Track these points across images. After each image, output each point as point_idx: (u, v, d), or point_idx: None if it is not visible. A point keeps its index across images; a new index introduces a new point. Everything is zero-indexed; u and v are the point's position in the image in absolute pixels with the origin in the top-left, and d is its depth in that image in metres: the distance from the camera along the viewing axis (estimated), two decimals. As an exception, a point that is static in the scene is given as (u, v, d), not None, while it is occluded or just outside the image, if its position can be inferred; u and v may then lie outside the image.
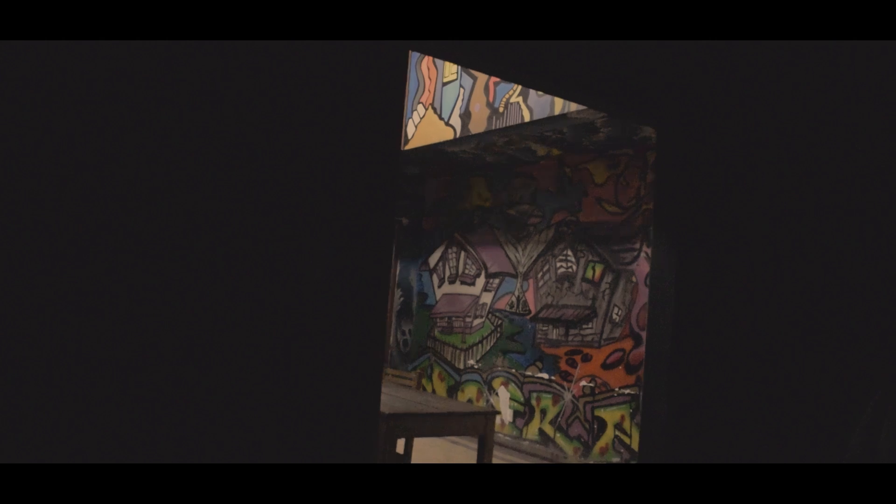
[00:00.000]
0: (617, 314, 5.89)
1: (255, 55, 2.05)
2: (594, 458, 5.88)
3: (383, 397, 4.43)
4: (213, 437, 1.98)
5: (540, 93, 5.30)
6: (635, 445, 5.57)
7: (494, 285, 7.20)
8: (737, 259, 3.28)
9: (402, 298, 8.36)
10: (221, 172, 1.99)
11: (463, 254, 7.67)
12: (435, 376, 7.79)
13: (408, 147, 6.69)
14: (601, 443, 5.85)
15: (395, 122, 2.39)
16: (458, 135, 6.13)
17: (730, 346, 3.24)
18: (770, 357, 3.24)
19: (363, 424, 2.33)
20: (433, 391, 7.77)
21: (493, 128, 5.73)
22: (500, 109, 5.68)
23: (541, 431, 6.41)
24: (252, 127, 2.05)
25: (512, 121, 5.56)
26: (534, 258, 6.77)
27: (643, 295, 5.70)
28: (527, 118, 5.42)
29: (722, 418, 3.21)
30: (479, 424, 4.17)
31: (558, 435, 6.24)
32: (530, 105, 5.39)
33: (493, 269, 7.26)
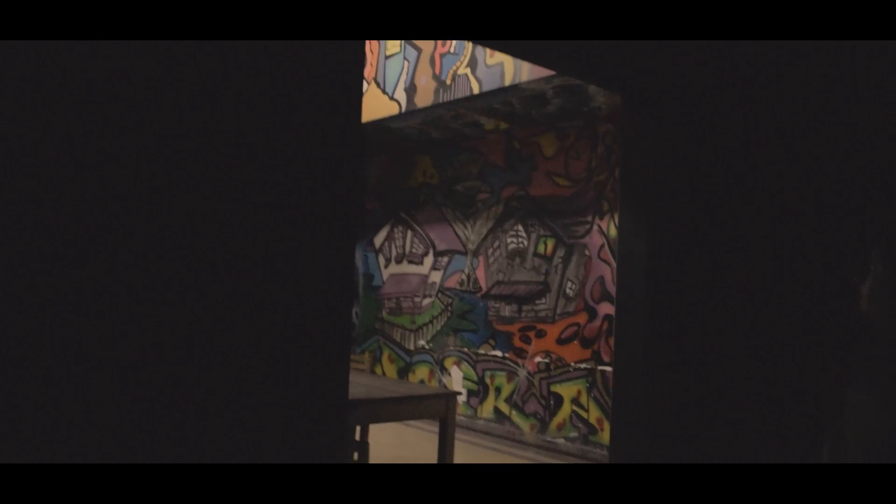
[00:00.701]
0: (570, 288, 5.83)
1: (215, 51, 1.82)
2: (551, 435, 5.83)
3: (338, 383, 4.24)
4: (181, 431, 1.78)
5: (489, 63, 5.14)
6: (593, 420, 5.54)
7: (443, 264, 7.06)
8: (710, 230, 3.21)
9: (347, 280, 8.14)
10: (185, 159, 1.77)
11: (409, 233, 7.49)
12: (384, 358, 7.62)
13: (350, 123, 6.45)
14: (558, 418, 5.80)
15: (355, 104, 2.20)
16: (403, 110, 5.93)
17: (708, 324, 3.17)
18: (755, 338, 3.18)
19: (331, 415, 2.16)
20: (383, 374, 7.60)
21: (441, 101, 5.54)
22: (448, 82, 5.50)
23: (496, 410, 6.32)
24: (208, 113, 1.83)
25: (460, 93, 5.39)
26: (483, 234, 6.65)
27: (597, 268, 5.65)
28: (475, 90, 5.26)
29: (703, 406, 3.14)
30: (439, 407, 4.02)
31: (514, 412, 6.17)
32: (479, 76, 5.23)
33: (441, 248, 7.11)
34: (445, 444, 4.02)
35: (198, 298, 1.83)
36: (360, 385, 4.08)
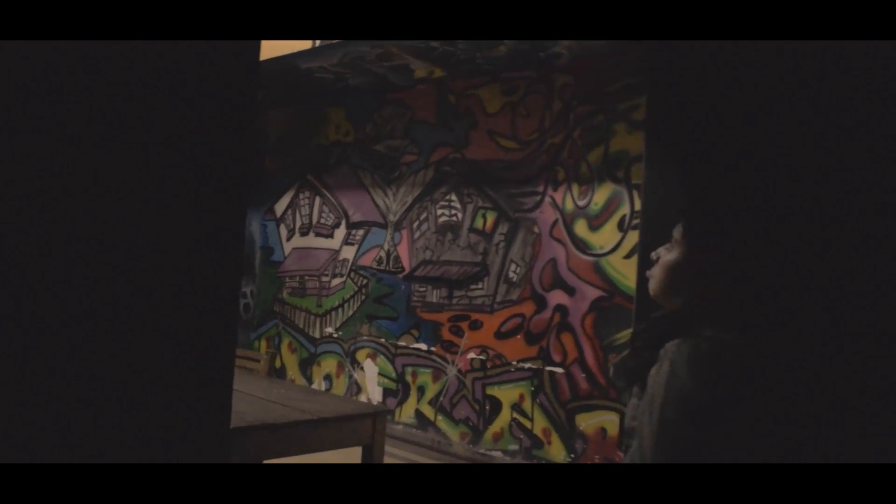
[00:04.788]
0: (514, 272, 4.85)
1: None
2: (486, 446, 4.87)
3: (223, 394, 3.10)
4: None
5: (431, -15, 4.04)
6: (538, 431, 4.61)
7: (358, 237, 5.95)
8: (771, 191, 2.26)
9: (241, 253, 6.89)
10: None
11: (318, 199, 6.32)
12: (284, 347, 6.46)
13: (250, 60, 5.21)
14: (495, 427, 4.84)
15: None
16: (317, 43, 4.76)
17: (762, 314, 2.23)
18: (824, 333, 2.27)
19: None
20: (282, 365, 6.44)
21: (367, 32, 4.41)
22: (376, 8, 4.36)
23: (418, 413, 5.30)
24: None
25: (392, 23, 4.27)
26: (408, 204, 5.58)
27: (548, 249, 4.69)
28: (413, 19, 4.15)
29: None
30: (363, 431, 2.96)
31: (440, 417, 5.17)
32: (417, 2, 4.12)
33: (355, 218, 5.99)
34: (370, 482, 2.97)
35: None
36: (248, 398, 2.95)
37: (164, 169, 1.12)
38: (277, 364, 6.48)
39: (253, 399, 2.98)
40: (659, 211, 2.24)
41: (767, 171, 2.20)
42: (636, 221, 4.26)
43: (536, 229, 4.76)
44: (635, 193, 4.33)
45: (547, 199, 4.73)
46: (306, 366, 6.23)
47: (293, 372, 6.33)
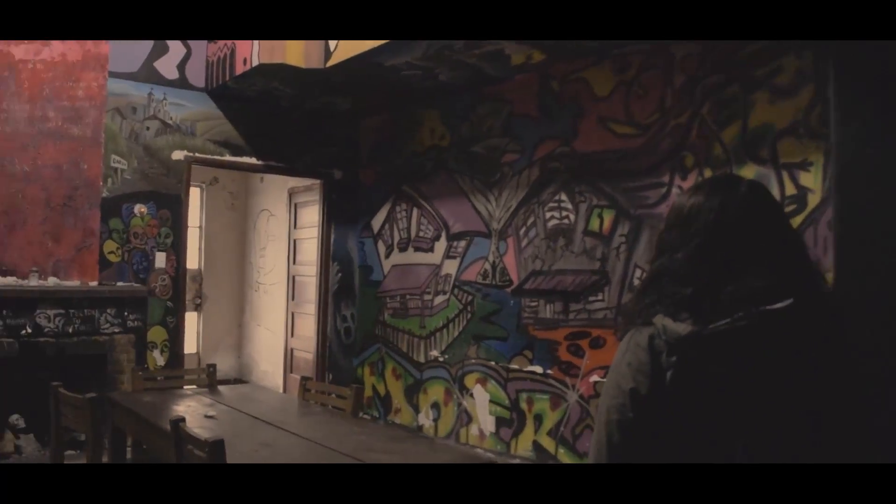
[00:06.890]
0: (640, 279, 4.12)
1: None
2: (617, 485, 4.14)
3: (283, 441, 2.57)
4: None
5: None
6: (680, 467, 3.84)
7: (460, 250, 5.37)
8: None
9: (339, 275, 6.47)
10: None
11: (416, 211, 5.81)
12: (388, 373, 5.96)
13: (330, 63, 4.77)
14: (627, 463, 4.11)
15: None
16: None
17: None
18: None
19: None
20: (386, 393, 5.94)
21: (450, 13, 3.84)
22: (459, -16, 3.79)
23: (536, 445, 4.64)
24: None
25: None
26: (512, 209, 4.95)
27: (679, 249, 3.93)
28: (501, -11, 3.54)
29: None
30: (459, 488, 2.35)
31: (562, 450, 4.48)
32: (505, -32, 3.51)
33: (456, 229, 5.43)
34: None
35: None
36: (318, 449, 2.38)
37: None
38: (381, 389, 5.98)
39: (322, 450, 2.42)
40: (863, 188, 1.53)
41: None
42: (792, 207, 3.45)
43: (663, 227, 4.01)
44: (785, 174, 3.53)
45: (674, 190, 3.98)
46: (412, 393, 5.69)
47: (399, 400, 5.81)
